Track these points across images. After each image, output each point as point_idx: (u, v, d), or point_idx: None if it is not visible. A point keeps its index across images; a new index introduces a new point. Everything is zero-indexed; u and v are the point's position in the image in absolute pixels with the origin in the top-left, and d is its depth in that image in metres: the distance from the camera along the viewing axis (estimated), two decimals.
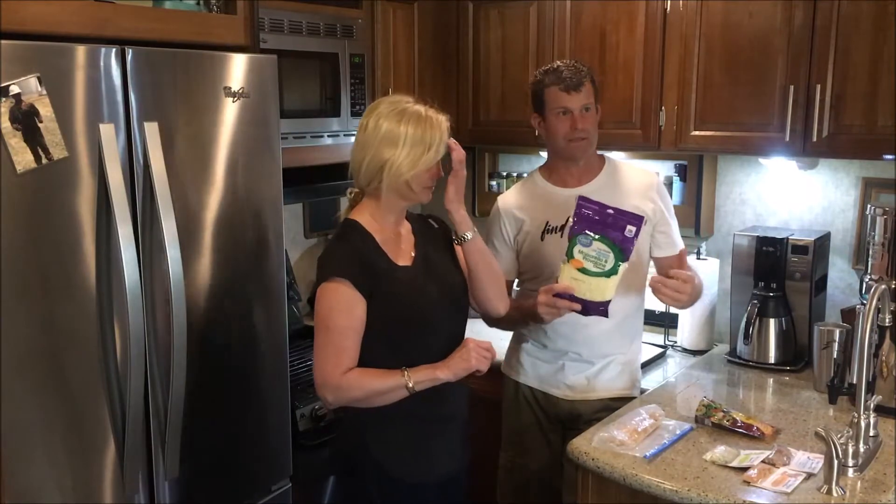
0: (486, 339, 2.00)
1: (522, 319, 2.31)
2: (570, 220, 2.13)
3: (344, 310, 1.87)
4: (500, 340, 2.63)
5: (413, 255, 2.00)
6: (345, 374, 1.87)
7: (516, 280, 2.49)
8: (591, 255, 2.08)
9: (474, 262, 2.03)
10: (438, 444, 2.02)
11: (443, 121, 1.92)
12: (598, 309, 2.12)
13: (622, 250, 2.07)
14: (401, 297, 1.92)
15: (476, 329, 2.41)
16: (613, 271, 2.08)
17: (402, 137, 1.86)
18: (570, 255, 2.11)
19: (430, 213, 2.18)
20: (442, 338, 1.97)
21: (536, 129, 2.40)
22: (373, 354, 1.91)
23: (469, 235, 2.00)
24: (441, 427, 2.03)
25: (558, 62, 2.32)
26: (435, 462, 2.01)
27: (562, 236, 2.29)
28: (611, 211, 2.08)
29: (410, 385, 1.87)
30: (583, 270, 2.09)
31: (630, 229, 2.06)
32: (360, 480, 1.99)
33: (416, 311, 1.94)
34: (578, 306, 2.11)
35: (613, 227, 2.07)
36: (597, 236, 2.07)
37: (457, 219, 2.00)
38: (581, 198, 2.12)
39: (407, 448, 1.97)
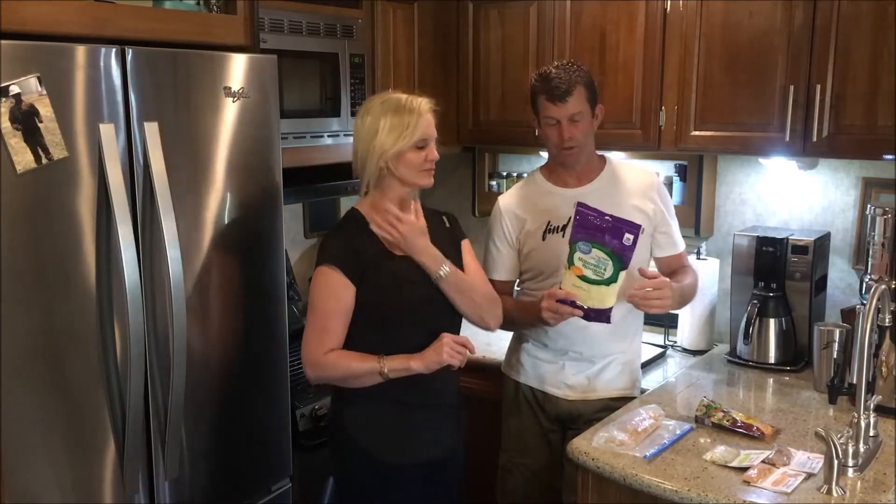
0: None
1: (527, 320, 2.31)
2: (570, 224, 2.13)
3: (331, 295, 1.98)
4: (501, 340, 2.63)
5: None
6: (326, 354, 1.98)
7: (517, 280, 2.49)
8: (590, 262, 2.08)
9: (450, 298, 2.06)
10: (422, 429, 2.08)
11: (423, 102, 2.01)
12: (600, 317, 2.12)
13: (620, 258, 2.07)
14: (388, 285, 2.00)
15: (476, 328, 2.41)
16: (613, 279, 2.08)
17: (382, 124, 1.97)
18: (570, 262, 2.11)
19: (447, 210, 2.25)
20: (427, 329, 2.02)
21: (536, 130, 2.40)
22: (361, 338, 2.01)
23: (441, 274, 2.02)
24: (424, 413, 2.08)
25: (552, 66, 2.29)
26: (417, 446, 2.08)
27: (563, 236, 2.29)
28: (608, 218, 2.08)
29: (385, 371, 1.96)
30: (583, 278, 2.10)
31: (628, 237, 2.06)
32: (348, 465, 2.08)
33: (401, 300, 2.01)
34: (581, 313, 2.12)
35: (611, 235, 2.06)
36: (595, 244, 2.07)
37: (423, 265, 2.02)
38: (580, 204, 2.11)
39: (389, 431, 2.06)
